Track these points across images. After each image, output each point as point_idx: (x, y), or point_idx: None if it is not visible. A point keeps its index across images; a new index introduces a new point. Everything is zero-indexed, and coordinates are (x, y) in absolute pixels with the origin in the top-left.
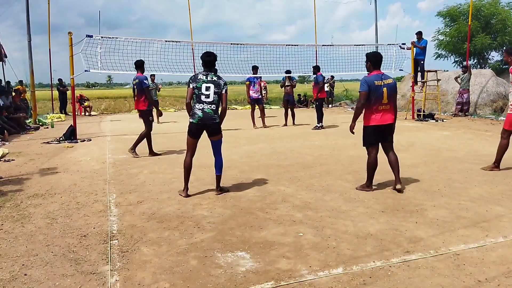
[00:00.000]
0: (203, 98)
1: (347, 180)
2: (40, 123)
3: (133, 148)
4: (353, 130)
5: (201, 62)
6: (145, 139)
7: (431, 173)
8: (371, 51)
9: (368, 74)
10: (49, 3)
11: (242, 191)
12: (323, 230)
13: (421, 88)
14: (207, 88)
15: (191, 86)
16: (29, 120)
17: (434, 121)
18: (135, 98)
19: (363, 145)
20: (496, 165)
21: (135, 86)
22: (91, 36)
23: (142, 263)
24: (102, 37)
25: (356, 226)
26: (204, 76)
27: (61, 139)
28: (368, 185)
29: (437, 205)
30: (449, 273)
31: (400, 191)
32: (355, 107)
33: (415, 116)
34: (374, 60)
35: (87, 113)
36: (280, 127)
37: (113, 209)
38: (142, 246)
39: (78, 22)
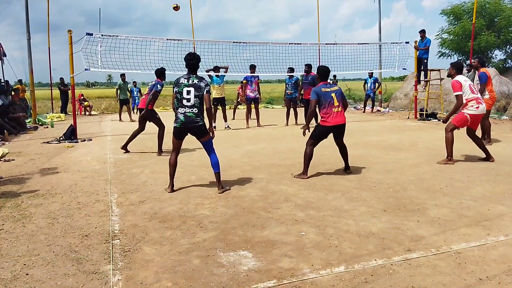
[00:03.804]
0: (184, 102)
1: (349, 180)
2: (40, 123)
3: (125, 146)
4: (305, 132)
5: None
6: (138, 136)
7: (433, 172)
8: (374, 50)
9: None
10: (48, 2)
11: (244, 191)
12: (325, 229)
13: (424, 87)
14: (188, 92)
15: (174, 90)
16: (29, 119)
17: (437, 120)
18: (143, 96)
19: (310, 138)
20: (450, 158)
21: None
22: (91, 34)
23: (144, 263)
24: (102, 35)
25: (358, 225)
26: (186, 80)
27: (62, 138)
28: (304, 173)
29: (439, 204)
30: (450, 271)
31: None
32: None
33: (418, 116)
34: (322, 74)
35: (87, 113)
36: (281, 127)
37: (114, 208)
38: (144, 245)
39: (78, 21)
